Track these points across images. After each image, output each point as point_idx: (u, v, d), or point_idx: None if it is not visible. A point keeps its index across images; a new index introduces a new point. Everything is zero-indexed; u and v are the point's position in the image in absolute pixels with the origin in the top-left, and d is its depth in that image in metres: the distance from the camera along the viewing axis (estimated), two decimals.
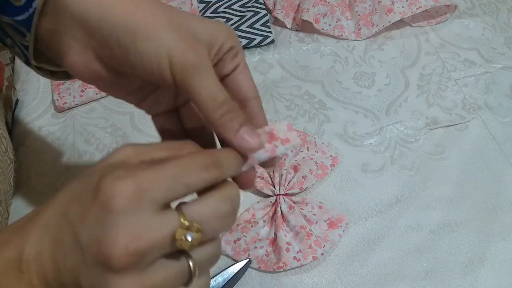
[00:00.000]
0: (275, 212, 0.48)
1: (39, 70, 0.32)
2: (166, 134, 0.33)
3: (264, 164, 0.30)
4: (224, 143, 0.29)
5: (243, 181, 0.29)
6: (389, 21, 0.63)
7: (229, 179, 0.27)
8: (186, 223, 0.23)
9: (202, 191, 0.25)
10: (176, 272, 0.24)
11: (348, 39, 0.65)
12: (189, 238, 0.22)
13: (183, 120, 0.33)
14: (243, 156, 0.28)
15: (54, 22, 0.28)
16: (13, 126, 0.57)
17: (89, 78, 0.30)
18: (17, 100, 0.59)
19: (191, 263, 0.24)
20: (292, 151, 0.51)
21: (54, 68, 0.32)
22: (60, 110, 0.58)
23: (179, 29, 0.27)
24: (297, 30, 0.66)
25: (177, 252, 0.23)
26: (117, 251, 0.21)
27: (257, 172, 0.51)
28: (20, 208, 0.50)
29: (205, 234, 0.23)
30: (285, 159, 0.50)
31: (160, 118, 0.33)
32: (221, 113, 0.27)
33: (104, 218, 0.21)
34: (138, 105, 0.33)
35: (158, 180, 0.23)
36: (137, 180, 0.22)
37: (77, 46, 0.28)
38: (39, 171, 0.53)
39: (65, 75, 0.33)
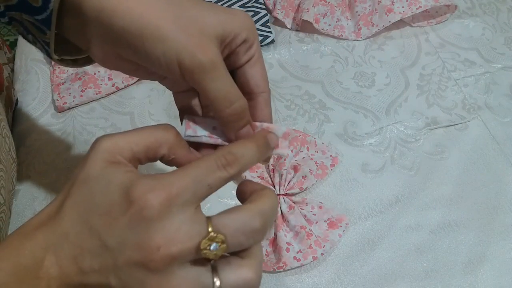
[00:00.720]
0: None
1: (61, 62, 0.33)
2: (183, 110, 0.34)
3: None
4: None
5: None
6: (389, 21, 0.63)
7: (271, 188, 0.28)
8: (213, 233, 0.24)
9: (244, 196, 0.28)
10: (199, 278, 0.24)
11: (348, 39, 0.65)
12: (212, 248, 0.24)
13: (200, 98, 0.34)
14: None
15: (74, 20, 0.29)
16: (13, 126, 0.57)
17: (111, 67, 0.31)
18: (17, 100, 0.59)
19: (214, 277, 0.24)
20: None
21: (75, 56, 0.33)
22: (60, 110, 0.58)
23: (187, 27, 0.27)
24: (297, 30, 0.66)
25: (205, 260, 0.25)
26: (154, 253, 0.23)
27: (257, 172, 0.51)
28: (20, 207, 0.50)
29: (229, 247, 0.24)
30: (285, 159, 0.50)
31: (179, 95, 0.34)
32: (228, 113, 0.28)
33: (140, 226, 0.23)
34: (160, 82, 0.34)
35: (184, 185, 0.24)
36: (166, 189, 0.24)
37: (96, 42, 0.29)
38: (40, 170, 0.53)
39: (86, 61, 0.34)
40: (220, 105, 0.28)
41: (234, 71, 0.31)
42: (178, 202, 0.24)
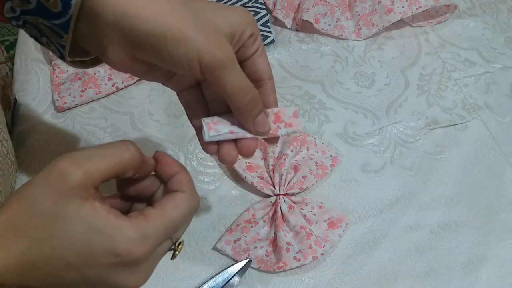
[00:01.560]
0: (275, 212, 0.48)
1: (72, 63, 0.34)
2: (189, 106, 0.36)
3: (267, 140, 0.35)
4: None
5: (243, 149, 0.34)
6: (389, 21, 0.63)
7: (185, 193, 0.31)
8: (176, 243, 0.31)
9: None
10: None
11: (348, 39, 0.65)
12: (179, 247, 0.31)
13: (204, 93, 0.36)
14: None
15: (90, 26, 0.30)
16: (13, 126, 0.57)
17: (124, 70, 0.33)
18: (15, 100, 0.59)
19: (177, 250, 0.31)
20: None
21: (84, 58, 0.35)
22: (60, 110, 0.58)
23: (204, 27, 0.29)
24: (297, 30, 0.66)
25: None
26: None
27: (257, 172, 0.51)
28: None
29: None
30: (285, 159, 0.50)
31: (183, 93, 0.36)
32: (245, 103, 0.31)
33: (124, 269, 0.27)
34: (164, 84, 0.35)
35: (162, 234, 0.28)
36: (150, 242, 0.27)
37: (112, 46, 0.30)
38: (40, 171, 0.52)
39: (94, 62, 0.36)
40: (237, 96, 0.30)
41: (242, 63, 0.33)
42: (156, 245, 0.28)
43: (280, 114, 0.35)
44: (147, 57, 0.30)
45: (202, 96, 0.36)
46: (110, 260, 0.26)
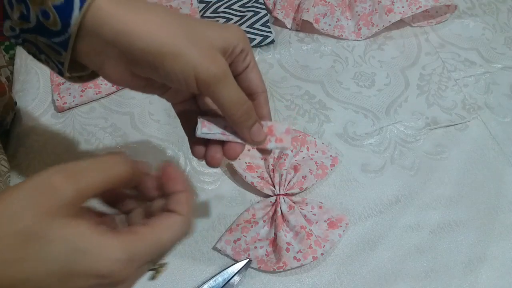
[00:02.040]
0: (275, 212, 0.48)
1: (70, 79, 0.35)
2: (183, 116, 0.37)
3: (260, 150, 0.37)
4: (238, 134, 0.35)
5: (229, 152, 0.35)
6: (389, 21, 0.63)
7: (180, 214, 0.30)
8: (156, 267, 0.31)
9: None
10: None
11: (348, 39, 0.65)
12: (162, 269, 0.31)
13: (199, 104, 0.37)
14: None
15: (89, 44, 0.31)
16: (13, 126, 0.57)
17: (122, 85, 0.34)
18: (15, 102, 0.59)
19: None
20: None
21: (81, 73, 0.35)
22: (60, 110, 0.58)
23: (199, 44, 0.30)
24: (297, 30, 0.66)
25: None
26: None
27: (257, 172, 0.51)
28: None
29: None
30: (285, 159, 0.50)
31: (179, 105, 0.37)
32: (240, 114, 0.32)
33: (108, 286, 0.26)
34: (160, 96, 0.36)
35: (148, 256, 0.28)
36: (135, 264, 0.27)
37: (111, 62, 0.31)
38: (40, 171, 0.52)
39: (90, 76, 0.36)
40: (232, 109, 0.32)
41: (235, 78, 0.34)
42: (141, 267, 0.28)
43: (273, 128, 0.36)
44: (145, 73, 0.31)
45: (197, 107, 0.37)
46: (91, 282, 0.25)
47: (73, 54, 0.31)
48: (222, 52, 0.31)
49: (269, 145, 0.35)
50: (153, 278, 0.31)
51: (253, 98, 0.35)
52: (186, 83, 0.30)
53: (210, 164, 0.35)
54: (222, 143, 0.35)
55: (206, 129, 0.34)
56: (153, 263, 0.30)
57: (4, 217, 0.24)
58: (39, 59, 0.34)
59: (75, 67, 0.34)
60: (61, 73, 0.33)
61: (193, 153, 0.36)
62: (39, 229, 0.24)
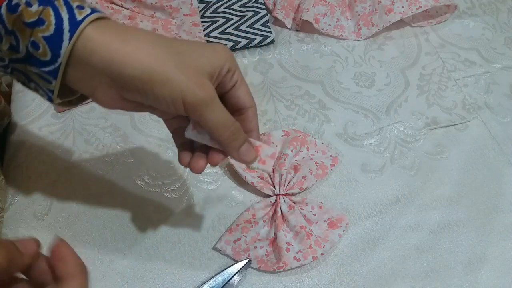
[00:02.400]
0: (275, 212, 0.48)
1: (59, 104, 0.35)
2: (175, 132, 0.38)
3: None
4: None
5: (213, 159, 0.36)
6: (389, 21, 0.63)
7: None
8: None
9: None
10: None
11: (348, 39, 0.65)
12: None
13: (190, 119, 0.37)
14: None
15: (79, 71, 0.31)
16: (14, 126, 0.57)
17: (113, 108, 0.35)
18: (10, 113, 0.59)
19: None
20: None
21: (70, 97, 0.36)
22: (60, 110, 0.58)
23: (187, 70, 0.31)
24: (297, 30, 0.66)
25: None
26: None
27: (257, 172, 0.51)
28: (20, 208, 0.50)
29: None
30: (285, 159, 0.50)
31: (169, 121, 0.38)
32: (227, 136, 0.34)
33: None
34: (151, 113, 0.37)
35: None
36: None
37: (102, 88, 0.32)
38: (40, 171, 0.53)
39: (80, 100, 0.37)
40: (219, 131, 0.33)
41: (224, 95, 0.36)
42: None
43: (260, 149, 0.37)
44: (135, 98, 0.32)
45: (187, 122, 0.37)
46: None
47: (63, 80, 0.32)
48: (209, 76, 0.33)
49: (251, 164, 0.37)
50: None
51: (242, 113, 0.37)
52: (174, 106, 0.31)
53: (194, 169, 0.36)
54: (206, 151, 0.36)
55: (195, 131, 0.35)
56: None
57: None
58: (29, 87, 0.34)
59: (65, 92, 0.34)
60: (50, 100, 0.33)
61: (180, 160, 0.37)
62: None
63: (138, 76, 0.30)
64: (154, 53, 0.31)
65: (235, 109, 0.36)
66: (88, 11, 0.31)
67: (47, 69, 0.31)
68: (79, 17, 0.30)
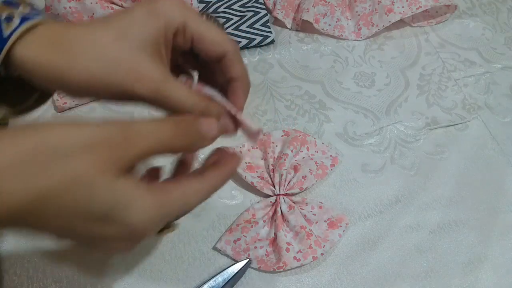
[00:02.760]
0: (275, 212, 0.48)
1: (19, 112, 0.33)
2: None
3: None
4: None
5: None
6: (389, 21, 0.63)
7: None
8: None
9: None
10: None
11: (348, 39, 0.65)
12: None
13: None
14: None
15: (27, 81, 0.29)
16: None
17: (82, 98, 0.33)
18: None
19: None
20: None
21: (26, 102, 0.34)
22: (60, 110, 0.58)
23: (126, 68, 0.28)
24: (297, 30, 0.66)
25: None
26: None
27: (257, 172, 0.51)
28: None
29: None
30: (285, 159, 0.50)
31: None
32: (196, 113, 0.30)
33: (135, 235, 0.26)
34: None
35: (173, 215, 0.28)
36: (162, 222, 0.28)
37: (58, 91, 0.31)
38: None
39: (38, 102, 0.35)
40: (185, 110, 0.29)
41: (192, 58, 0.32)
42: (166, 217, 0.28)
43: (242, 125, 0.33)
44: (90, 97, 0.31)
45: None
46: (120, 231, 0.26)
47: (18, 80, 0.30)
48: (152, 51, 0.29)
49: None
50: (161, 232, 0.31)
51: (228, 83, 0.32)
52: (134, 98, 0.29)
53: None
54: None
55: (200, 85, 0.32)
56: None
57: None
58: None
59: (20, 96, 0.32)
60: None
61: None
62: (92, 176, 0.24)
63: (85, 88, 0.28)
64: (96, 53, 0.28)
65: (210, 63, 0.32)
66: (17, 22, 0.27)
67: None
68: (6, 33, 0.27)
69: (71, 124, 0.25)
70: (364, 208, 0.51)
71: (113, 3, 0.63)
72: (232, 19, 0.65)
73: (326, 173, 0.51)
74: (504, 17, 0.69)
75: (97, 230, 0.25)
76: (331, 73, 0.62)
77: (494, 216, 0.50)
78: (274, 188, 0.49)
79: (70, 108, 0.58)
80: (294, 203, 0.48)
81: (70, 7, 0.58)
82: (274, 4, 0.67)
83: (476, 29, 0.67)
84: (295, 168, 0.50)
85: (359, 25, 0.65)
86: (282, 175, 0.49)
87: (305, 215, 0.48)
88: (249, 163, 0.52)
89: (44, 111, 0.58)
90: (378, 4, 0.64)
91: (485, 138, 0.56)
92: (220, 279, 0.44)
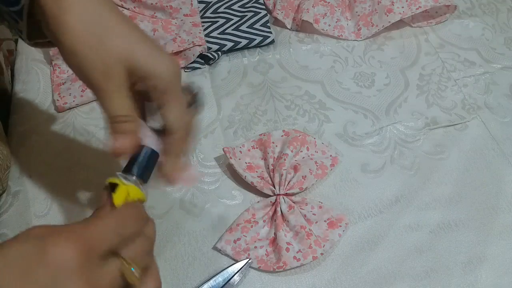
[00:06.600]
0: (275, 212, 0.48)
1: (36, 45, 0.37)
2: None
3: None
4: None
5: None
6: (389, 21, 0.63)
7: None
8: (127, 264, 0.28)
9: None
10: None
11: (348, 39, 0.65)
12: (136, 274, 0.29)
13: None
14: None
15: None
16: (14, 126, 0.57)
17: None
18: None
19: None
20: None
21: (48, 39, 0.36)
22: (60, 110, 0.58)
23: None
24: (297, 30, 0.67)
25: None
26: None
27: (257, 172, 0.51)
28: (21, 208, 0.50)
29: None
30: (285, 159, 0.50)
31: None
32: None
33: (65, 277, 0.24)
34: None
35: (102, 236, 0.28)
36: (85, 241, 0.26)
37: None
38: (40, 171, 0.53)
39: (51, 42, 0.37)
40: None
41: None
42: (95, 253, 0.27)
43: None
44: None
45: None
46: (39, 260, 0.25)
47: (31, 23, 0.33)
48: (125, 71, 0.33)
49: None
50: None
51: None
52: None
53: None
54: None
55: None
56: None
57: None
58: (5, 25, 0.36)
59: (40, 35, 0.35)
60: (23, 40, 0.35)
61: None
62: None
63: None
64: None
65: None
66: None
67: (13, 8, 0.32)
68: None
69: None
70: (364, 208, 0.51)
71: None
72: (232, 19, 0.65)
73: (326, 173, 0.51)
74: (504, 17, 0.69)
75: None
76: (331, 73, 0.62)
77: (494, 216, 0.50)
78: (274, 188, 0.49)
79: (70, 108, 0.58)
80: (294, 203, 0.48)
81: None
82: (274, 5, 0.67)
83: (475, 29, 0.67)
84: (295, 168, 0.50)
85: (359, 26, 0.65)
86: (282, 175, 0.49)
87: (305, 215, 0.48)
88: (249, 163, 0.52)
89: (45, 111, 0.58)
90: (378, 4, 0.64)
91: (484, 138, 0.56)
92: (220, 279, 0.44)
